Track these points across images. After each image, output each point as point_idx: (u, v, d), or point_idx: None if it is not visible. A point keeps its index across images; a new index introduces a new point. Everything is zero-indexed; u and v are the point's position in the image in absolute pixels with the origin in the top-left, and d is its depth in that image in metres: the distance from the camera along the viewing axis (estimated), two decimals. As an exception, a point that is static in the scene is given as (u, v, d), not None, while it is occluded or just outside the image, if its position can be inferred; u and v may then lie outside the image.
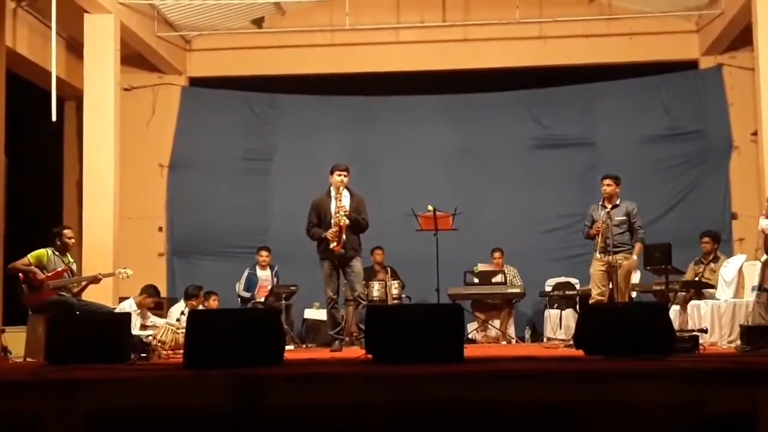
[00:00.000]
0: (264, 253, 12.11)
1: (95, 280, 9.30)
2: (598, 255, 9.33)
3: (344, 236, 9.18)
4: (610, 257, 9.19)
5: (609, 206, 9.35)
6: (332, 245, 9.18)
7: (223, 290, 11.84)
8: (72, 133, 13.43)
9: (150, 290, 10.41)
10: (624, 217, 9.35)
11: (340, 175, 9.33)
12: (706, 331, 8.92)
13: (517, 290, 12.08)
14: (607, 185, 9.42)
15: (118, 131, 11.59)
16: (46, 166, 13.48)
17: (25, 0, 11.49)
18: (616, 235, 9.25)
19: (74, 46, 12.25)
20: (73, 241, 9.42)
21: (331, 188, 9.40)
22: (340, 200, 9.29)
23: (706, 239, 10.62)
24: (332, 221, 9.23)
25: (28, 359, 8.50)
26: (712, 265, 10.42)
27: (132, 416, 4.19)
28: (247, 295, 11.89)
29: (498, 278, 12.08)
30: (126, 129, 12.18)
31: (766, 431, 3.98)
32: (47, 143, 13.14)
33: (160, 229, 13.84)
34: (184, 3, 12.82)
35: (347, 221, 9.20)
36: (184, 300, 11.16)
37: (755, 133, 11.81)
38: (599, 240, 9.27)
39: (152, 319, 10.34)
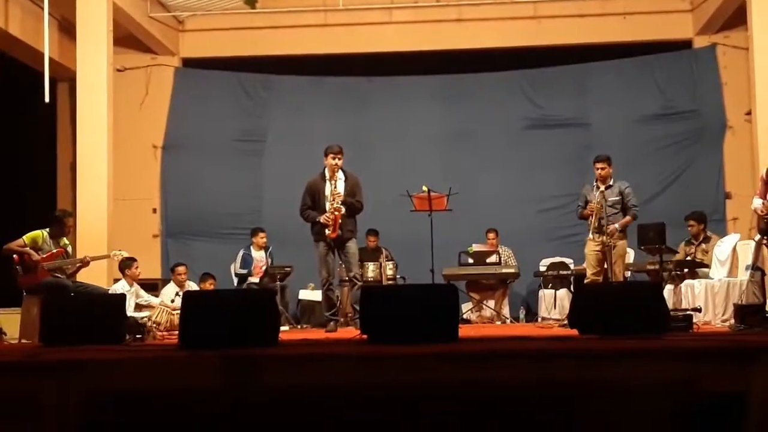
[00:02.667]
0: (262, 234, 12.05)
1: (84, 263, 9.29)
2: (591, 236, 9.35)
3: (340, 221, 9.18)
4: (605, 237, 9.20)
5: (603, 186, 9.34)
6: (328, 232, 9.18)
7: (217, 271, 11.85)
8: (65, 114, 13.39)
9: (127, 262, 10.27)
10: (617, 198, 9.36)
11: (334, 158, 9.27)
12: (700, 310, 8.94)
13: (512, 270, 12.10)
14: (602, 169, 9.40)
15: (111, 112, 11.54)
16: (39, 147, 13.45)
17: (16, -20, 11.44)
18: (611, 216, 9.26)
19: (67, 27, 12.19)
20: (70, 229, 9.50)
21: (326, 170, 9.37)
22: (335, 186, 9.26)
23: (691, 222, 10.57)
24: (327, 208, 9.21)
25: (23, 341, 8.50)
26: (703, 245, 10.42)
27: (127, 397, 4.20)
28: (243, 271, 11.86)
29: (492, 258, 12.09)
30: (119, 110, 12.11)
31: (759, 409, 4.00)
32: (40, 125, 13.10)
33: (154, 210, 13.82)
34: (176, -17, 12.79)
35: (343, 210, 9.20)
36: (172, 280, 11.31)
37: (749, 113, 11.82)
38: (593, 220, 9.28)
39: (146, 298, 10.33)
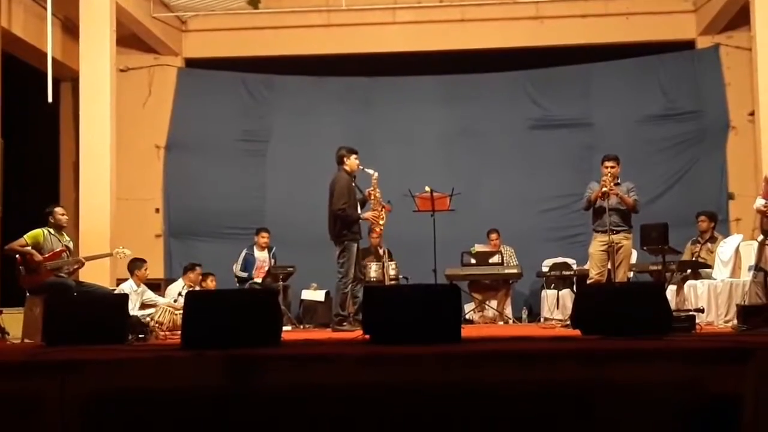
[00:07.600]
0: (264, 234, 12.04)
1: (80, 263, 9.29)
2: (598, 231, 9.34)
3: None
4: (611, 237, 9.21)
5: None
6: (378, 229, 9.92)
7: (220, 271, 11.84)
8: (68, 114, 13.38)
9: (137, 263, 10.29)
10: (625, 195, 9.38)
11: (357, 158, 9.77)
12: (702, 311, 8.94)
13: (514, 271, 12.09)
14: (612, 167, 9.37)
15: (114, 112, 11.52)
16: (42, 147, 13.46)
17: (20, -20, 11.45)
18: (617, 213, 9.29)
19: (70, 27, 12.19)
20: (65, 218, 9.32)
21: (347, 168, 9.71)
22: (376, 192, 9.78)
23: (702, 218, 10.63)
24: (372, 208, 9.77)
25: (26, 340, 8.51)
26: (709, 245, 10.43)
27: (130, 397, 4.20)
28: (244, 275, 11.88)
29: (495, 259, 12.08)
30: (122, 110, 12.10)
31: (751, 408, 3.99)
32: (43, 124, 13.11)
33: (157, 210, 13.81)
34: (179, -17, 12.79)
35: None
36: (182, 277, 11.21)
37: (752, 113, 11.80)
38: (608, 185, 9.19)
39: (152, 297, 10.30)
